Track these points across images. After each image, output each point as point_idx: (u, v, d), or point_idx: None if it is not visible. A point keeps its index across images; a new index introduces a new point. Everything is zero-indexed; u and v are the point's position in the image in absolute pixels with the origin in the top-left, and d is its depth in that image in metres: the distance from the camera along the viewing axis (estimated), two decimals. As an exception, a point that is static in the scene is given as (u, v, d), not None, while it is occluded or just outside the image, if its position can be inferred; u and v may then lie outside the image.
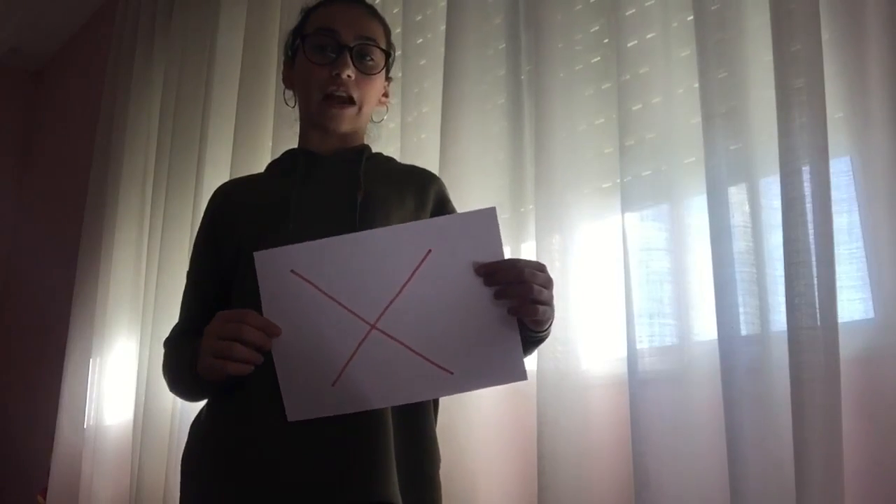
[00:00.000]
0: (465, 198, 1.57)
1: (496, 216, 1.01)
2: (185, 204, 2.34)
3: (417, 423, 1.15)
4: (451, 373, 1.01)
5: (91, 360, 2.56)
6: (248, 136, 2.16)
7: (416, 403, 1.15)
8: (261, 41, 2.25)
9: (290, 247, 1.03)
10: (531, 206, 1.56)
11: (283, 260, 1.02)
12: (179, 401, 2.11)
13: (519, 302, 1.00)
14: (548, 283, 1.03)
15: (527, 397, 1.45)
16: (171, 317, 2.22)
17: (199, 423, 1.20)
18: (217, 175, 2.24)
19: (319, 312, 1.01)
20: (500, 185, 1.60)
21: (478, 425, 1.48)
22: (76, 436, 2.57)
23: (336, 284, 1.01)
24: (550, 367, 1.40)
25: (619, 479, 1.33)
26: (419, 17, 1.86)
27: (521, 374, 1.03)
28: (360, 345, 1.01)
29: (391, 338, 1.01)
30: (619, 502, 1.33)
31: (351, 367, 1.02)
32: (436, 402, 1.22)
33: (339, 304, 1.01)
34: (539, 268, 1.03)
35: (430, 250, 1.01)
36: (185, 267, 2.19)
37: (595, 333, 1.43)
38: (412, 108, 1.80)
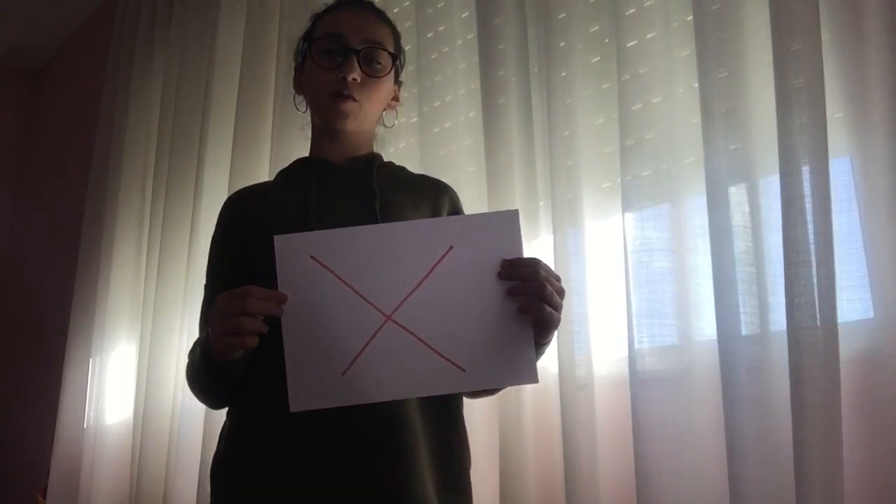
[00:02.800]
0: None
1: (518, 218, 1.02)
2: (185, 203, 2.34)
3: (449, 425, 1.16)
4: (463, 370, 1.01)
5: (91, 360, 2.56)
6: (248, 135, 2.16)
7: (448, 405, 1.16)
8: (260, 41, 2.24)
9: (312, 233, 1.04)
10: (533, 206, 1.56)
11: (304, 245, 1.02)
12: (179, 401, 2.12)
13: (529, 300, 1.01)
14: (560, 291, 1.05)
15: (537, 397, 1.45)
16: (171, 316, 2.23)
17: (226, 432, 1.20)
18: (217, 174, 2.24)
19: (336, 300, 1.01)
20: (503, 184, 1.60)
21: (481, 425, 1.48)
22: (76, 436, 2.57)
23: (355, 273, 1.02)
24: (551, 366, 1.40)
25: (620, 478, 1.33)
26: (430, 11, 1.87)
27: (533, 377, 1.03)
28: (374, 335, 1.01)
29: (406, 330, 1.01)
30: (619, 501, 1.33)
31: (363, 358, 1.01)
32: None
33: (357, 293, 1.01)
34: (556, 276, 1.05)
35: (451, 247, 1.02)
36: (186, 266, 2.23)
37: (596, 333, 1.42)
38: (425, 102, 1.81)
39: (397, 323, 1.01)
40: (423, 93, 1.82)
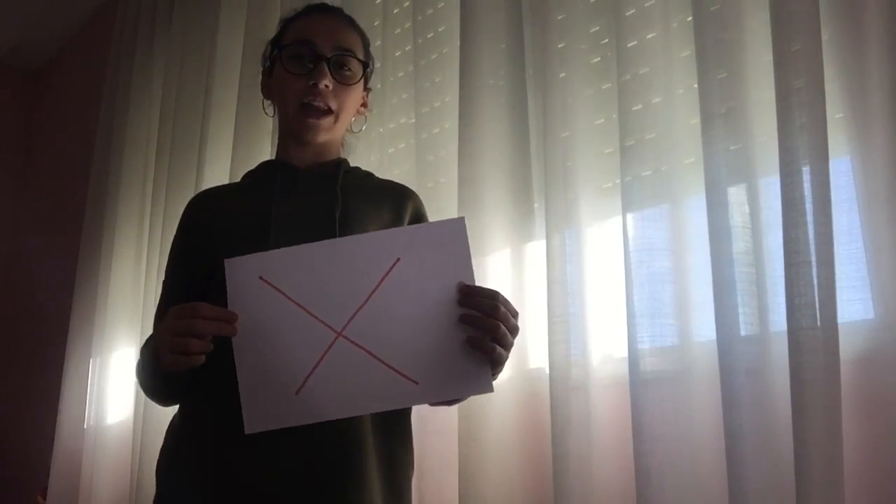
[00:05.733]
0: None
1: (465, 226, 1.02)
2: (185, 203, 2.33)
3: (397, 437, 1.17)
4: (417, 383, 1.00)
5: (91, 360, 2.56)
6: (248, 136, 2.16)
7: (397, 418, 1.16)
8: (261, 41, 2.23)
9: (259, 254, 1.03)
10: (535, 206, 1.56)
11: (253, 267, 1.02)
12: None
13: (481, 335, 1.00)
14: (514, 331, 1.04)
15: (537, 398, 1.46)
16: (171, 317, 2.22)
17: (174, 432, 1.20)
18: (217, 175, 2.24)
19: (286, 319, 1.01)
20: (504, 184, 1.60)
21: (495, 428, 1.48)
22: (76, 436, 2.57)
23: (304, 291, 1.01)
24: (556, 367, 1.40)
25: (620, 478, 1.33)
26: (430, 12, 1.87)
27: (488, 387, 1.02)
28: (325, 352, 1.00)
29: (357, 346, 1.00)
30: (620, 501, 1.33)
31: (315, 376, 1.00)
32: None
33: (306, 311, 1.01)
34: (513, 313, 1.04)
35: (398, 259, 1.01)
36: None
37: (595, 333, 1.42)
38: (424, 103, 1.81)
39: (348, 339, 1.00)
40: (422, 94, 1.82)
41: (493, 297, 1.02)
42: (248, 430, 1.00)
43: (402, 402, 1.05)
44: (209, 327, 1.00)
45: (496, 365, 1.04)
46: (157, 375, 1.12)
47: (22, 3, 3.62)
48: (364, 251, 1.02)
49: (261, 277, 1.01)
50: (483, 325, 1.01)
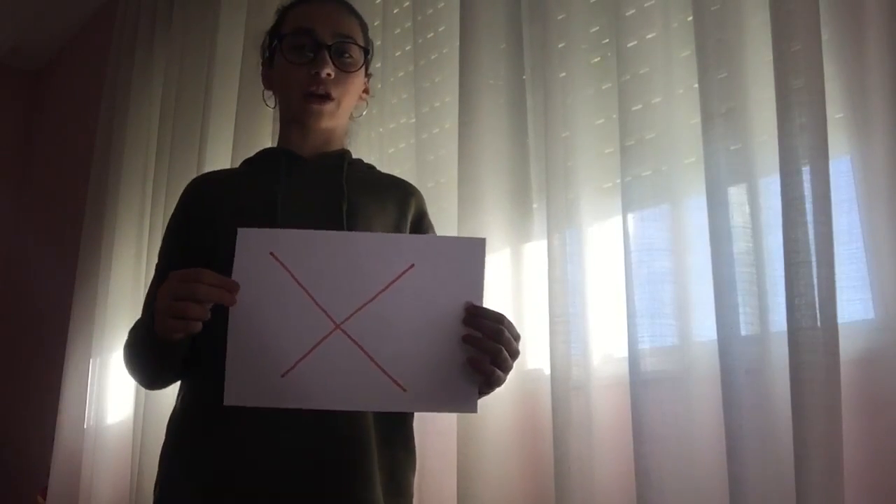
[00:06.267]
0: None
1: (484, 247, 1.02)
2: (186, 203, 2.33)
3: (400, 439, 1.17)
4: (405, 390, 0.99)
5: (91, 360, 2.56)
6: (248, 136, 2.16)
7: (401, 421, 1.16)
8: (261, 41, 2.24)
9: (276, 230, 1.03)
10: (534, 206, 1.56)
11: (266, 240, 1.01)
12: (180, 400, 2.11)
13: (481, 356, 1.00)
14: (514, 355, 1.04)
15: (536, 398, 1.46)
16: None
17: (177, 419, 1.19)
18: (217, 175, 2.24)
19: (288, 300, 1.00)
20: (504, 184, 1.60)
21: (494, 430, 1.48)
22: (76, 436, 2.57)
23: (312, 276, 1.00)
24: (556, 367, 1.40)
25: (621, 479, 1.33)
26: (430, 12, 1.87)
27: (472, 407, 1.02)
28: (320, 342, 0.99)
29: (353, 342, 0.99)
30: (619, 502, 1.33)
31: (305, 362, 0.99)
32: None
33: (310, 296, 1.00)
34: (516, 337, 1.04)
35: (412, 265, 1.00)
36: (186, 267, 2.22)
37: (595, 333, 1.42)
38: (424, 103, 1.81)
39: (346, 333, 0.99)
40: (422, 94, 1.82)
41: (498, 320, 1.02)
42: (226, 402, 0.98)
43: (386, 406, 1.04)
44: (211, 294, 0.98)
45: (490, 386, 1.04)
46: (148, 344, 1.10)
47: (22, 3, 3.62)
48: (380, 250, 1.01)
49: (271, 253, 1.00)
50: (485, 348, 1.00)
